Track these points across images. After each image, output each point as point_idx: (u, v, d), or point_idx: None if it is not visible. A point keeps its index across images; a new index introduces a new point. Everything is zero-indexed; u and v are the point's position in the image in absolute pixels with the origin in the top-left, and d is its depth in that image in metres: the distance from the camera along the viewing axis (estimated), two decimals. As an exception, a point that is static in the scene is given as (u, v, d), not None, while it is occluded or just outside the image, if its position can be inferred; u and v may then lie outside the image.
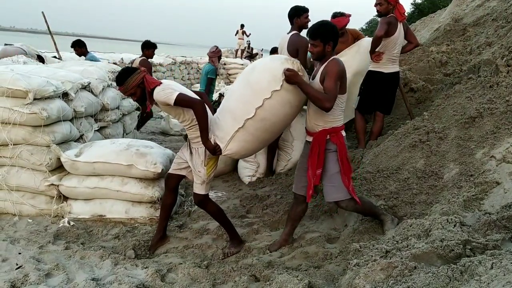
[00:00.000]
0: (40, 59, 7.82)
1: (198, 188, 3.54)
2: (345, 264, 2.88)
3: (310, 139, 3.40)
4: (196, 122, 3.36)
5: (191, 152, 3.54)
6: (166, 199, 3.80)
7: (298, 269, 3.08)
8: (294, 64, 3.31)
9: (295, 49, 4.79)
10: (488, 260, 2.05)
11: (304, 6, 5.10)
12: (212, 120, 3.47)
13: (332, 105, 3.13)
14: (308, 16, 5.05)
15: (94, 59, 7.41)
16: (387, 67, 5.27)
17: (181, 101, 3.29)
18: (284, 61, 3.33)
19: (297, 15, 4.99)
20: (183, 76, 17.28)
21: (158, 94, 3.32)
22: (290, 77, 3.20)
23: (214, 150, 3.37)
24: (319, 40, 3.21)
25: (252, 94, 3.33)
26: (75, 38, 8.23)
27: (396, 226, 3.26)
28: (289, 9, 5.10)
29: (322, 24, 3.26)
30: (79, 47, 7.50)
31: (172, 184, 3.75)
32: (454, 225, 2.58)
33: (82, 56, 7.48)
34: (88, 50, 7.95)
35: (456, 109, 4.42)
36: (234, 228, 3.75)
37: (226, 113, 3.41)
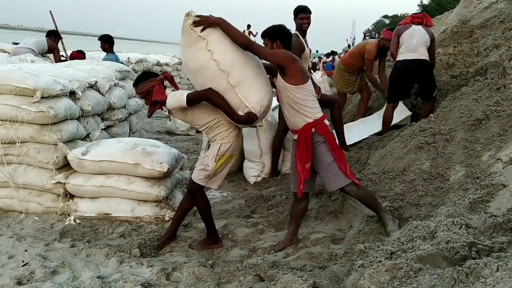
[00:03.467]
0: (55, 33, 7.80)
1: (197, 177, 3.54)
2: (350, 265, 2.88)
3: (295, 136, 3.43)
4: (214, 122, 3.46)
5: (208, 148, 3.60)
6: (185, 203, 3.74)
7: (303, 269, 3.07)
8: (191, 15, 3.28)
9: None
10: (494, 262, 2.04)
11: (303, 6, 5.09)
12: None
13: (247, 44, 3.24)
14: (304, 17, 5.05)
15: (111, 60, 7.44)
16: (403, 55, 5.63)
17: (193, 98, 3.36)
18: (185, 28, 3.29)
19: (294, 16, 5.08)
20: (189, 76, 17.30)
21: (170, 102, 3.41)
22: (201, 22, 3.23)
23: (251, 119, 3.36)
24: (267, 38, 3.42)
25: (206, 67, 3.31)
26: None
27: (397, 227, 3.27)
28: None
29: (273, 25, 3.45)
30: (103, 43, 7.55)
31: (193, 189, 3.66)
32: (460, 227, 2.56)
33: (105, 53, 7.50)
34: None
35: (462, 111, 4.41)
36: (215, 227, 3.74)
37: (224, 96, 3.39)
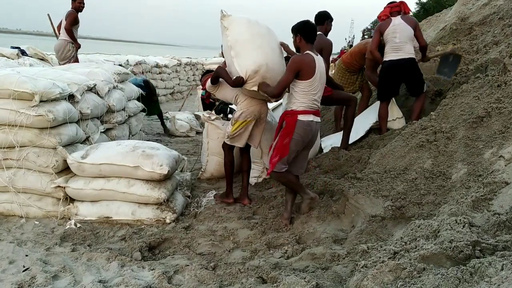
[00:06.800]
0: None
1: (225, 138, 4.70)
2: (352, 265, 2.86)
3: None
4: (235, 95, 4.54)
5: None
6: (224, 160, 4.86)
7: (305, 270, 3.05)
8: (222, 11, 4.44)
9: (319, 48, 4.84)
10: (498, 261, 2.02)
11: (328, 14, 5.64)
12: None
13: (276, 92, 4.06)
14: (330, 22, 5.65)
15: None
16: (389, 55, 5.73)
17: (213, 76, 4.62)
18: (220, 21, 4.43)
19: (321, 22, 5.55)
20: (188, 78, 17.30)
21: (207, 85, 4.78)
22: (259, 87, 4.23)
23: (239, 81, 4.24)
24: (292, 33, 4.02)
25: (225, 48, 4.42)
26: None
27: (309, 203, 4.06)
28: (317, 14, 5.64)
29: (298, 21, 4.06)
30: None
31: (223, 146, 4.82)
32: (463, 226, 2.54)
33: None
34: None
35: (463, 108, 4.39)
36: (231, 185, 4.78)
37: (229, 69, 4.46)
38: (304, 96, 3.88)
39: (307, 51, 3.92)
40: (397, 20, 5.68)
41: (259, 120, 4.65)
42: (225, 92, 4.67)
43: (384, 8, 5.98)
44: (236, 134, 4.56)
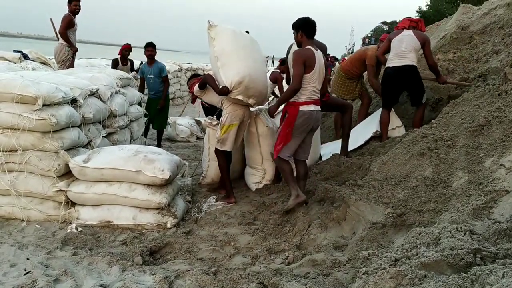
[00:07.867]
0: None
1: (216, 143, 5.00)
2: (353, 272, 2.86)
3: None
4: (221, 100, 4.91)
5: None
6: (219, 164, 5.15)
7: (306, 277, 3.05)
8: (208, 22, 4.75)
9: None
10: (499, 269, 2.03)
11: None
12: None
13: (296, 87, 4.15)
14: None
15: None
16: (392, 62, 5.83)
17: (201, 82, 5.02)
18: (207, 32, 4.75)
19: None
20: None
21: (194, 89, 5.19)
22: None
23: (224, 91, 4.63)
24: (294, 30, 4.28)
25: (212, 57, 4.77)
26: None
27: (296, 203, 4.18)
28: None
29: (298, 18, 4.30)
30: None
31: (216, 152, 5.11)
32: (464, 234, 2.55)
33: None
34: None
35: (464, 117, 4.41)
36: (230, 186, 5.05)
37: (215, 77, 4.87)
38: (305, 88, 4.19)
39: (308, 46, 4.20)
40: (407, 32, 5.83)
41: (242, 123, 5.01)
42: (211, 97, 5.10)
43: (403, 20, 6.18)
44: (225, 138, 4.89)
